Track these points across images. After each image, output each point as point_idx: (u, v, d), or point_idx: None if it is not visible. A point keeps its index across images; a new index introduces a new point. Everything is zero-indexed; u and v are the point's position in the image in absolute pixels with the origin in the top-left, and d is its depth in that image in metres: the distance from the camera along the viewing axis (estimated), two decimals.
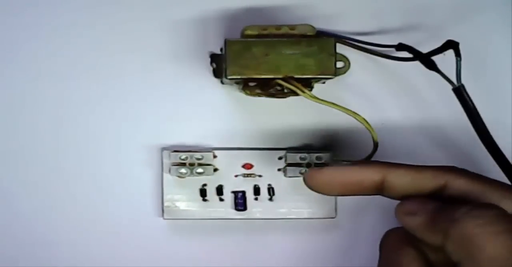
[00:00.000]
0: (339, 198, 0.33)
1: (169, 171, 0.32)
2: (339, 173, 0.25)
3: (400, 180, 0.25)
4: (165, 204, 0.32)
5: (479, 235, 0.21)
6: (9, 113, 0.33)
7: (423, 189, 0.25)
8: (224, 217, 0.32)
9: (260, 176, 0.33)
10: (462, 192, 0.24)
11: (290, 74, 0.29)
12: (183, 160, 0.32)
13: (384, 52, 0.32)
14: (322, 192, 0.26)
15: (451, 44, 0.29)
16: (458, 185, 0.24)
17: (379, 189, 0.25)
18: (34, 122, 0.33)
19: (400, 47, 0.31)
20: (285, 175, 0.32)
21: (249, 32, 0.30)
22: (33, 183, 0.33)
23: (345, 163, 0.32)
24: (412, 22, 0.33)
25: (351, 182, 0.25)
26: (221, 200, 0.32)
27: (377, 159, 0.31)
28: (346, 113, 0.29)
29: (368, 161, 0.27)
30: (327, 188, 0.26)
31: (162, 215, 0.32)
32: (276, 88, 0.30)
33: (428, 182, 0.24)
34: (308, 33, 0.30)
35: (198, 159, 0.32)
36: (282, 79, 0.29)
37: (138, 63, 0.33)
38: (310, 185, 0.26)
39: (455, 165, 0.26)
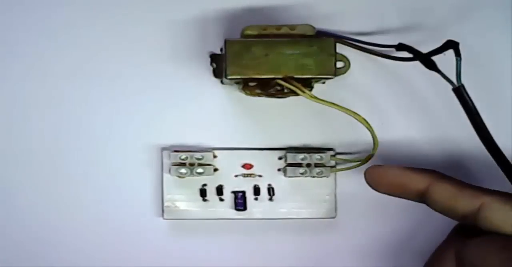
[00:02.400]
0: (339, 198, 0.33)
1: (169, 171, 0.32)
2: (393, 172, 0.27)
3: (441, 194, 0.26)
4: (165, 204, 0.32)
5: None
6: (8, 113, 0.33)
7: (458, 208, 0.25)
8: (224, 217, 0.32)
9: (260, 176, 0.33)
10: (494, 218, 0.24)
11: (290, 74, 0.29)
12: (183, 160, 0.32)
13: (384, 52, 0.32)
14: (375, 187, 0.28)
15: (451, 44, 0.29)
16: (493, 208, 0.25)
17: (422, 198, 0.26)
18: (33, 122, 0.33)
19: (400, 47, 0.31)
20: (285, 175, 0.32)
21: (249, 32, 0.30)
22: (33, 183, 0.33)
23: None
24: (412, 22, 0.33)
25: (397, 184, 0.27)
26: (221, 200, 0.32)
27: (377, 159, 0.31)
28: (346, 113, 0.29)
29: (421, 168, 0.27)
30: (379, 184, 0.27)
31: (162, 215, 0.32)
32: (276, 88, 0.30)
33: (465, 201, 0.25)
34: (308, 33, 0.30)
35: (198, 159, 0.32)
36: (282, 79, 0.29)
37: (138, 63, 0.33)
38: (366, 178, 0.28)
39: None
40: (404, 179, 0.27)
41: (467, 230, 0.27)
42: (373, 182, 0.28)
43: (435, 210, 0.26)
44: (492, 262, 0.23)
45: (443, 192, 0.25)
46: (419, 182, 0.26)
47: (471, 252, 0.24)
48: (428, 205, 0.27)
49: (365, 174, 0.28)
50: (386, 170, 0.27)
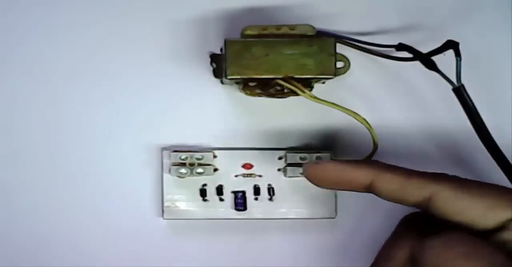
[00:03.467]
0: (339, 198, 0.33)
1: (169, 171, 0.32)
2: (333, 169, 0.26)
3: (387, 187, 0.25)
4: (165, 204, 0.32)
5: None
6: (9, 113, 0.33)
7: (407, 199, 0.25)
8: (224, 217, 0.32)
9: (260, 176, 0.33)
10: (445, 207, 0.24)
11: (290, 74, 0.29)
12: (183, 160, 0.32)
13: (384, 52, 0.32)
14: (316, 184, 0.27)
15: (451, 44, 0.29)
16: (443, 198, 0.24)
17: (369, 190, 0.26)
18: (33, 122, 0.33)
19: (400, 47, 0.31)
20: (285, 175, 0.32)
21: (249, 32, 0.30)
22: (33, 183, 0.33)
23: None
24: (412, 22, 0.33)
25: (342, 180, 0.26)
26: (221, 200, 0.32)
27: (377, 158, 0.31)
28: (346, 113, 0.29)
29: (363, 161, 0.27)
30: (320, 181, 0.27)
31: (162, 215, 0.32)
32: (276, 88, 0.30)
33: (413, 192, 0.24)
34: (308, 33, 0.30)
35: (198, 159, 0.32)
36: (282, 79, 0.29)
37: (138, 63, 0.33)
38: (306, 175, 0.27)
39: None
40: (347, 176, 0.26)
41: (419, 222, 0.26)
42: (313, 179, 0.27)
43: (384, 199, 0.26)
44: None
45: (388, 184, 0.25)
46: (361, 177, 0.25)
47: (431, 258, 0.23)
48: (376, 195, 0.26)
49: (304, 170, 0.27)
50: (325, 168, 0.26)
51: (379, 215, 0.33)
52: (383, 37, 0.33)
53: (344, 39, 0.32)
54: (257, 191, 0.32)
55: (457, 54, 0.29)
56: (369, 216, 0.33)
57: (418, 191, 0.24)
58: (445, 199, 0.24)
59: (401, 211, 0.34)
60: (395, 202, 0.25)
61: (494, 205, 0.23)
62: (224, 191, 0.32)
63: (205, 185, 0.32)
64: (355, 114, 0.30)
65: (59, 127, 0.33)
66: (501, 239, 0.23)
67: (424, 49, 0.30)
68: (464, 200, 0.24)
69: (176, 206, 0.32)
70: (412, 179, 0.25)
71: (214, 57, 0.33)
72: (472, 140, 0.30)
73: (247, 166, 0.33)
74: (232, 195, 0.32)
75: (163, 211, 0.32)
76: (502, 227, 0.23)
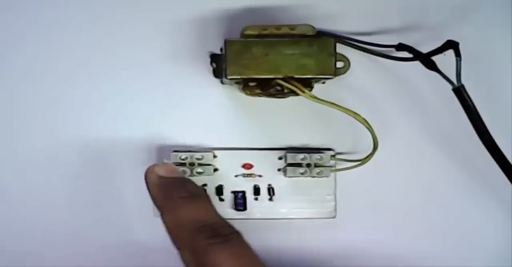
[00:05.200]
0: (339, 198, 0.33)
1: None
2: (150, 180, 0.29)
3: None
4: None
5: None
6: (9, 114, 0.33)
7: None
8: (224, 217, 0.32)
9: (260, 176, 0.33)
10: None
11: (290, 74, 0.29)
12: (183, 160, 0.32)
13: (384, 52, 0.32)
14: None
15: (451, 44, 0.29)
16: None
17: None
18: (34, 122, 0.33)
19: (400, 47, 0.31)
20: (285, 175, 0.32)
21: (249, 32, 0.30)
22: (33, 183, 0.33)
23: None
24: (412, 22, 0.33)
25: (150, 194, 0.29)
26: (221, 200, 0.32)
27: (377, 158, 0.31)
28: (346, 113, 0.29)
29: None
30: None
31: None
32: (276, 88, 0.30)
33: None
34: (308, 33, 0.30)
35: (198, 159, 0.32)
36: (282, 79, 0.29)
37: (138, 63, 0.33)
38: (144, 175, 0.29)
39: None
40: (151, 192, 0.28)
41: None
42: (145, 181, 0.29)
43: None
44: None
45: (165, 223, 0.27)
46: (156, 203, 0.28)
47: None
48: None
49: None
50: (149, 176, 0.28)
51: (379, 215, 0.33)
52: (383, 37, 0.33)
53: (344, 39, 0.32)
54: (257, 191, 0.32)
55: (457, 54, 0.29)
56: (369, 216, 0.33)
57: (174, 242, 0.26)
58: (183, 259, 0.25)
59: (403, 212, 0.34)
60: None
61: None
62: (224, 191, 0.32)
63: (205, 185, 0.32)
64: (355, 114, 0.30)
65: (59, 127, 0.33)
66: None
67: (424, 49, 0.30)
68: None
69: None
70: (175, 229, 0.26)
71: (214, 57, 0.33)
72: (472, 140, 0.30)
73: (247, 166, 0.33)
74: (232, 195, 0.32)
75: None
76: None
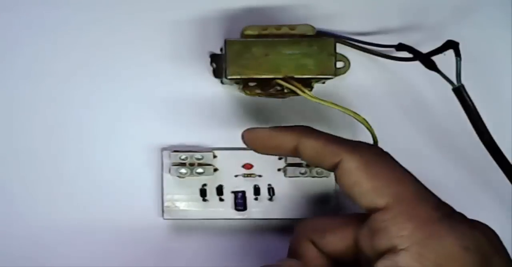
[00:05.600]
0: (339, 198, 0.33)
1: (169, 171, 0.32)
2: (263, 134, 0.27)
3: (307, 151, 0.26)
4: (165, 204, 0.32)
5: None
6: (9, 114, 0.33)
7: (323, 164, 0.26)
8: (224, 217, 0.32)
9: (260, 176, 0.33)
10: (343, 178, 0.25)
11: (290, 74, 0.29)
12: (183, 160, 0.32)
13: (384, 52, 0.32)
14: (252, 148, 0.28)
15: (451, 44, 0.29)
16: (345, 168, 0.25)
17: (295, 153, 0.27)
18: (34, 123, 0.33)
19: (400, 47, 0.31)
20: (285, 175, 0.32)
21: (249, 32, 0.30)
22: (33, 183, 0.33)
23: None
24: (412, 22, 0.33)
25: (271, 144, 0.27)
26: (221, 200, 0.32)
27: None
28: (346, 113, 0.29)
29: (291, 126, 0.28)
30: (254, 145, 0.28)
31: (162, 215, 0.32)
32: (276, 88, 0.30)
33: (327, 158, 0.26)
34: (308, 33, 0.30)
35: (198, 159, 0.32)
36: (282, 79, 0.29)
37: (138, 63, 0.33)
38: (244, 141, 0.28)
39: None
40: (273, 140, 0.27)
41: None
42: (250, 145, 0.28)
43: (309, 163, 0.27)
44: None
45: (309, 149, 0.26)
46: (287, 141, 0.27)
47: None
48: (302, 160, 0.27)
49: (242, 137, 0.28)
50: (257, 134, 0.27)
51: None
52: (383, 37, 0.33)
53: (344, 39, 0.32)
54: (257, 191, 0.32)
55: (457, 54, 0.29)
56: None
57: (331, 157, 0.25)
58: (346, 169, 0.25)
59: None
60: (315, 166, 0.27)
61: (376, 189, 0.24)
62: (224, 191, 0.32)
63: (205, 185, 0.32)
64: (355, 114, 0.30)
65: (59, 128, 0.33)
66: (374, 221, 0.24)
67: (424, 49, 0.30)
68: (358, 176, 0.25)
69: (176, 206, 0.32)
70: (328, 145, 0.26)
71: (214, 57, 0.33)
72: (472, 139, 0.30)
73: (247, 166, 0.33)
74: (232, 195, 0.32)
75: (163, 211, 0.32)
76: (378, 209, 0.24)
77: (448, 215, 0.24)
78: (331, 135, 0.27)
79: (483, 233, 0.24)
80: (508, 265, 0.24)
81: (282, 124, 0.33)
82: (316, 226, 0.27)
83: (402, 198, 0.24)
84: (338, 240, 0.26)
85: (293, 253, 0.28)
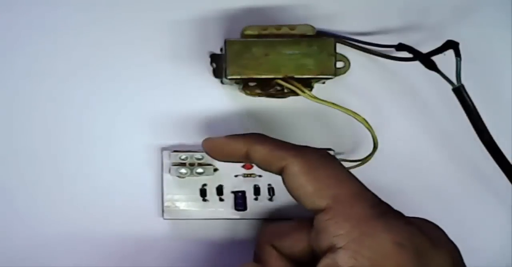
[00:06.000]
0: None
1: (169, 171, 0.32)
2: (218, 143, 0.29)
3: (257, 157, 0.27)
4: (165, 204, 0.32)
5: None
6: (9, 114, 0.33)
7: (271, 168, 0.27)
8: (224, 217, 0.32)
9: (260, 176, 0.33)
10: (289, 181, 0.26)
11: (290, 74, 0.29)
12: (183, 160, 0.32)
13: (384, 52, 0.32)
14: (211, 156, 0.29)
15: (451, 44, 0.29)
16: (290, 172, 0.26)
17: (247, 160, 0.28)
18: (34, 123, 0.33)
19: (400, 47, 0.31)
20: None
21: (249, 32, 0.30)
22: (33, 183, 0.33)
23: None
24: (412, 22, 0.33)
25: (225, 152, 0.28)
26: (221, 200, 0.32)
27: (377, 159, 0.31)
28: (346, 113, 0.29)
29: (243, 134, 0.29)
30: (212, 153, 0.29)
31: (162, 215, 0.32)
32: (276, 88, 0.30)
33: (274, 162, 0.27)
34: (308, 33, 0.30)
35: (198, 159, 0.32)
36: (282, 79, 0.29)
37: (138, 63, 0.33)
38: (203, 148, 0.29)
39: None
40: (227, 148, 0.28)
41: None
42: (208, 153, 0.29)
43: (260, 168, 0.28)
44: None
45: (257, 154, 0.27)
46: (239, 148, 0.28)
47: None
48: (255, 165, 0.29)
49: (202, 146, 0.29)
50: (212, 142, 0.29)
51: None
52: (383, 37, 0.33)
53: (344, 39, 0.32)
54: (257, 191, 0.32)
55: (457, 54, 0.29)
56: None
57: (277, 162, 0.26)
58: (290, 173, 0.26)
59: (401, 210, 0.34)
60: (266, 170, 0.27)
61: (318, 191, 0.25)
62: (224, 191, 0.32)
63: (205, 185, 0.32)
64: (355, 114, 0.30)
65: (59, 128, 0.33)
66: (317, 221, 0.25)
67: (424, 49, 0.30)
68: (302, 179, 0.26)
69: (176, 206, 0.32)
70: (275, 151, 0.27)
71: (214, 57, 0.33)
72: (472, 140, 0.30)
73: (247, 166, 0.33)
74: (232, 195, 0.32)
75: (163, 211, 0.32)
76: (321, 210, 0.25)
77: (384, 213, 0.25)
78: (280, 141, 0.28)
79: (419, 229, 0.25)
80: (446, 258, 0.25)
81: (284, 126, 0.33)
82: (275, 230, 0.29)
83: (341, 198, 0.25)
84: (294, 242, 0.27)
85: (257, 257, 0.29)
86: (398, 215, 0.26)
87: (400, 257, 0.24)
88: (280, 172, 0.27)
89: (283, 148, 0.27)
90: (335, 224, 0.25)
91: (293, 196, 0.26)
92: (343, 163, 0.32)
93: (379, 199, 0.26)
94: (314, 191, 0.26)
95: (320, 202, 0.25)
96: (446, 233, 0.27)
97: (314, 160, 0.26)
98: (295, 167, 0.26)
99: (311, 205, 0.26)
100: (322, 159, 0.27)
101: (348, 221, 0.25)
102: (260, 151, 0.27)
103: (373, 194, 0.26)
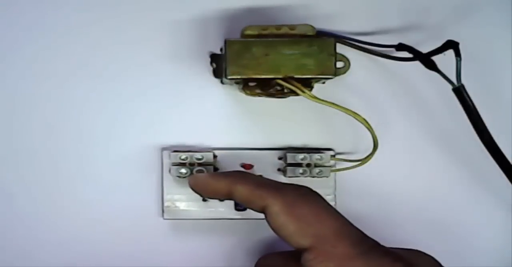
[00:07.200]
0: (339, 198, 0.33)
1: (169, 171, 0.32)
2: (201, 182, 0.29)
3: (239, 196, 0.27)
4: (165, 204, 0.32)
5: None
6: (9, 114, 0.33)
7: (253, 207, 0.27)
8: (224, 217, 0.32)
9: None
10: (272, 221, 0.26)
11: (290, 74, 0.29)
12: (183, 160, 0.32)
13: (384, 52, 0.32)
14: (197, 193, 0.30)
15: (451, 44, 0.29)
16: (271, 212, 0.26)
17: (230, 197, 0.28)
18: (34, 123, 0.33)
19: (400, 47, 0.31)
20: (285, 175, 0.32)
21: (249, 32, 0.30)
22: (33, 183, 0.33)
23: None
24: (412, 22, 0.33)
25: (209, 190, 0.29)
26: (221, 200, 0.32)
27: (377, 158, 0.31)
28: (346, 113, 0.29)
29: (225, 173, 0.29)
30: (197, 190, 0.29)
31: (162, 215, 0.32)
32: (276, 88, 0.30)
33: (256, 202, 0.27)
34: (308, 33, 0.30)
35: (198, 159, 0.32)
36: (282, 79, 0.29)
37: (138, 63, 0.33)
38: (189, 184, 0.30)
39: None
40: (210, 187, 0.28)
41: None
42: (194, 190, 0.29)
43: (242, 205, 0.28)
44: None
45: (239, 194, 0.27)
46: (221, 187, 0.28)
47: None
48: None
49: (188, 183, 0.30)
50: (197, 180, 0.29)
51: (379, 215, 0.33)
52: (383, 37, 0.33)
53: (344, 39, 0.32)
54: None
55: (457, 54, 0.29)
56: (369, 216, 0.33)
57: (258, 201, 0.27)
58: (271, 213, 0.26)
59: (403, 212, 0.34)
60: (250, 208, 0.27)
61: (300, 231, 0.26)
62: None
63: None
64: (355, 114, 0.30)
65: (59, 128, 0.33)
66: (303, 260, 0.25)
67: (424, 49, 0.30)
68: (283, 219, 0.26)
69: (176, 206, 0.32)
70: (256, 190, 0.27)
71: (214, 57, 0.33)
72: (472, 139, 0.30)
73: (247, 166, 0.33)
74: None
75: (163, 211, 0.32)
76: (305, 250, 0.25)
77: (368, 251, 0.25)
78: (261, 180, 0.28)
79: (407, 265, 0.25)
80: None
81: (284, 126, 0.33)
82: (269, 263, 0.30)
83: (323, 237, 0.25)
84: None
85: None
86: (384, 251, 0.26)
87: None
88: (261, 211, 0.27)
89: (264, 187, 0.27)
90: (320, 264, 0.25)
91: (277, 235, 0.26)
92: (343, 163, 0.32)
93: (363, 235, 0.26)
94: (296, 230, 0.25)
95: (303, 241, 0.25)
96: (440, 264, 0.27)
97: (294, 199, 0.26)
98: (275, 206, 0.26)
99: (295, 244, 0.26)
100: (303, 197, 0.27)
101: (332, 260, 0.25)
102: (241, 190, 0.27)
103: (357, 230, 0.26)
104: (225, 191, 0.28)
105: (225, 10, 0.33)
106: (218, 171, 0.31)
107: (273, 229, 0.26)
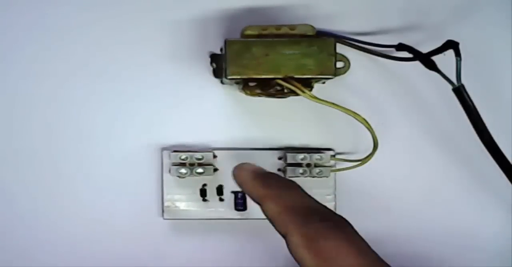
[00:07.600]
0: (339, 198, 0.33)
1: (169, 171, 0.32)
2: (242, 177, 0.28)
3: (267, 213, 0.27)
4: (165, 204, 0.32)
5: None
6: (9, 114, 0.33)
7: (277, 230, 0.26)
8: (224, 217, 0.32)
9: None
10: (292, 250, 0.25)
11: (290, 74, 0.29)
12: (183, 160, 0.32)
13: (384, 52, 0.32)
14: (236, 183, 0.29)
15: (451, 44, 0.29)
16: (291, 242, 0.25)
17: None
18: (34, 123, 0.33)
19: (400, 47, 0.31)
20: (285, 175, 0.32)
21: (249, 32, 0.30)
22: (33, 183, 0.33)
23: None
24: (412, 22, 0.33)
25: (243, 188, 0.28)
26: (221, 200, 0.32)
27: (377, 158, 0.31)
28: (346, 113, 0.29)
29: (267, 183, 0.28)
30: (237, 183, 0.29)
31: (162, 215, 0.32)
32: (276, 88, 0.30)
33: (279, 226, 0.26)
34: (308, 33, 0.30)
35: (198, 159, 0.32)
36: (282, 79, 0.29)
37: (138, 63, 0.33)
38: (232, 175, 0.29)
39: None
40: (245, 187, 0.28)
41: None
42: (234, 179, 0.29)
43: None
44: None
45: (265, 211, 0.27)
46: (253, 195, 0.27)
47: None
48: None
49: (232, 171, 0.29)
50: (239, 172, 0.29)
51: (379, 215, 0.33)
52: (383, 37, 0.33)
53: (344, 39, 0.32)
54: None
55: (457, 54, 0.29)
56: (369, 216, 0.33)
57: (280, 227, 0.26)
58: (291, 243, 0.25)
59: (404, 212, 0.34)
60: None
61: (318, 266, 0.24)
62: (224, 191, 0.32)
63: (205, 185, 0.32)
64: (355, 114, 0.30)
65: (60, 128, 0.33)
66: None
67: (424, 49, 0.30)
68: (302, 252, 0.25)
69: (176, 206, 0.32)
70: (282, 215, 0.26)
71: (214, 57, 0.33)
72: (472, 139, 0.30)
73: None
74: (232, 195, 0.32)
75: (163, 211, 0.32)
76: None
77: None
78: (296, 202, 0.27)
79: None
80: None
81: (284, 126, 0.33)
82: None
83: None
84: None
85: None
86: None
87: None
88: (283, 237, 0.26)
89: (290, 214, 0.26)
90: None
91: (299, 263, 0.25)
92: (343, 163, 0.32)
93: None
94: (314, 265, 0.24)
95: None
96: None
97: (318, 231, 0.25)
98: (294, 237, 0.25)
99: None
100: (330, 229, 0.25)
101: None
102: (270, 209, 0.26)
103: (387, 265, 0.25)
104: (256, 199, 0.27)
105: (225, 10, 0.33)
106: (262, 171, 0.29)
107: (293, 257, 0.25)
